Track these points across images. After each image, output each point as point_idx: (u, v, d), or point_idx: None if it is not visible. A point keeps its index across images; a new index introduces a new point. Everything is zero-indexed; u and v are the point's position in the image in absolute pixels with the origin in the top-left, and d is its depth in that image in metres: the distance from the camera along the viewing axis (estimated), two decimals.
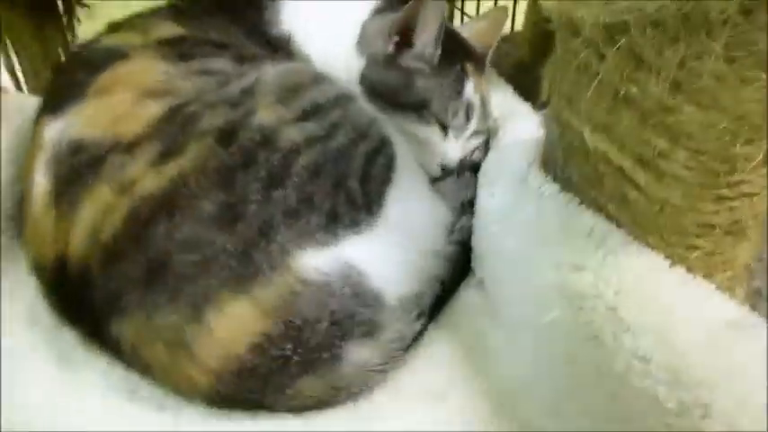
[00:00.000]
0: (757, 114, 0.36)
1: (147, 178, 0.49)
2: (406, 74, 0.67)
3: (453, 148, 0.68)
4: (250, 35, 0.68)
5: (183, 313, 0.47)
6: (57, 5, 1.19)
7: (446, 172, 0.67)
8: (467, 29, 0.77)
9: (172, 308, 0.47)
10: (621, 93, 0.42)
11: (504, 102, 0.73)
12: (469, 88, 0.69)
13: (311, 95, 0.56)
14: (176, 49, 0.59)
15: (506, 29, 1.28)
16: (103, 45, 0.60)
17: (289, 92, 0.56)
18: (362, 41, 0.70)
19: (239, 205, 0.49)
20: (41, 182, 0.52)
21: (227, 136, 0.51)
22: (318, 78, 0.59)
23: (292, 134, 0.53)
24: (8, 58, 1.16)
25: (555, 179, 0.52)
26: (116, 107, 0.53)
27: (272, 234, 0.49)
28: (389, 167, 0.56)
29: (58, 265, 0.51)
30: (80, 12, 1.22)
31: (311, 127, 0.54)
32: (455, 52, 0.69)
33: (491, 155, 0.63)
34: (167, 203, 0.49)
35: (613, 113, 0.43)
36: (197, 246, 0.48)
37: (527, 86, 0.79)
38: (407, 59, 0.67)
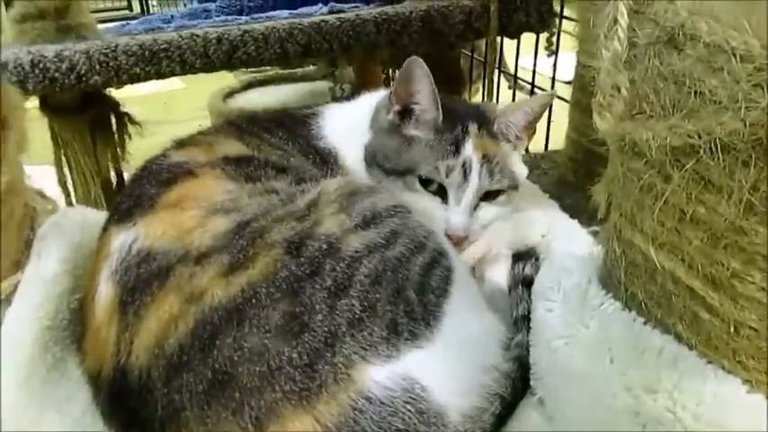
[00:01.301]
0: None
1: (216, 288, 0.50)
2: (405, 140, 0.71)
3: (455, 212, 0.69)
4: (304, 152, 0.72)
5: (245, 428, 0.45)
6: (110, 122, 1.26)
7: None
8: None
9: (234, 421, 0.46)
10: (689, 213, 0.43)
11: (551, 218, 0.74)
12: (468, 147, 0.70)
13: (370, 202, 0.58)
14: (241, 170, 0.61)
15: (540, 147, 1.33)
16: (172, 160, 0.63)
17: (349, 200, 0.57)
18: (373, 119, 0.75)
19: (305, 315, 0.49)
20: (106, 291, 0.53)
21: (295, 247, 0.52)
22: (375, 188, 0.61)
23: (354, 242, 0.54)
24: (61, 171, 1.22)
25: (616, 297, 0.52)
26: (185, 221, 0.55)
27: (338, 345, 0.48)
28: (447, 280, 0.56)
29: (120, 374, 0.50)
30: (131, 129, 1.29)
31: (371, 235, 0.55)
32: (458, 114, 0.73)
33: (544, 270, 0.63)
34: (235, 314, 0.49)
35: (681, 233, 0.44)
36: (263, 357, 0.47)
37: (571, 203, 0.80)
38: (410, 128, 0.72)
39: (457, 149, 0.70)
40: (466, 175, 0.69)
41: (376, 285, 0.52)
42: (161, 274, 0.52)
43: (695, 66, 0.40)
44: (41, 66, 0.99)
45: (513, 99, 1.53)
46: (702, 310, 0.43)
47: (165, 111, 2.74)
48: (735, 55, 0.37)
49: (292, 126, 0.75)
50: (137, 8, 5.70)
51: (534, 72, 1.35)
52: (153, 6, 5.80)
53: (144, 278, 0.52)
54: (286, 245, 0.53)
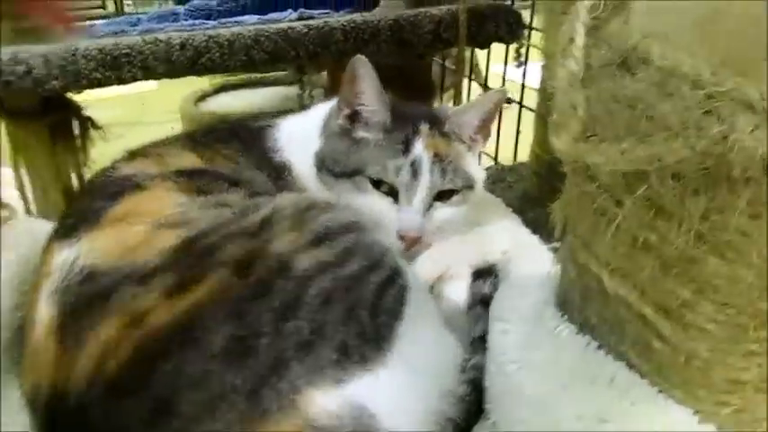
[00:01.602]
0: None
1: (160, 310, 0.48)
2: (354, 142, 0.70)
3: (407, 212, 0.67)
4: (259, 165, 0.70)
5: None
6: (71, 127, 1.22)
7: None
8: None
9: None
10: (641, 240, 0.42)
11: (512, 234, 0.73)
12: (418, 146, 0.69)
13: (324, 219, 0.56)
14: (193, 182, 0.59)
15: (509, 160, 1.33)
16: (120, 174, 0.61)
17: (302, 217, 0.56)
18: (324, 126, 0.74)
19: (251, 338, 0.47)
20: (46, 310, 0.51)
21: (244, 266, 0.50)
22: (331, 205, 0.60)
23: (305, 261, 0.52)
24: (19, 176, 1.18)
25: (571, 320, 0.51)
26: (130, 237, 0.52)
27: (283, 370, 0.46)
28: (401, 301, 0.55)
29: (57, 398, 0.48)
30: (94, 134, 1.25)
31: (323, 253, 0.53)
32: (409, 115, 0.72)
33: (502, 289, 0.62)
34: (178, 337, 0.47)
35: (633, 259, 0.43)
36: (205, 383, 0.45)
37: (534, 218, 0.79)
38: (359, 130, 0.71)
39: (406, 148, 0.69)
40: (416, 173, 0.68)
41: (326, 306, 0.50)
42: (103, 295, 0.50)
43: (647, 90, 0.39)
44: None
45: None
46: (654, 339, 0.43)
47: (136, 113, 2.69)
48: (686, 81, 0.37)
49: (248, 139, 0.73)
50: (111, 7, 5.64)
51: (504, 81, 1.35)
52: (128, 5, 5.75)
53: (86, 299, 0.50)
54: (235, 264, 0.51)
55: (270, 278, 0.50)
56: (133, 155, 0.65)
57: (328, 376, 0.48)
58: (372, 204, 0.68)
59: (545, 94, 0.91)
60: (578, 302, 0.49)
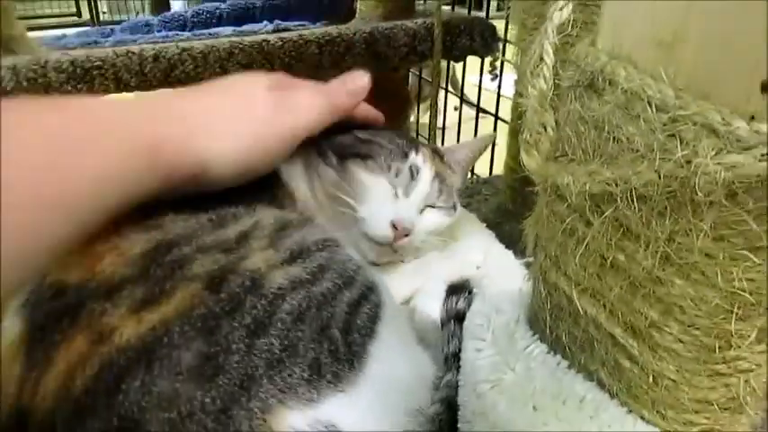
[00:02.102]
0: (749, 292, 0.36)
1: (127, 326, 0.47)
2: (355, 138, 0.76)
3: (405, 204, 0.72)
4: None
5: None
6: None
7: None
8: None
9: None
10: (609, 260, 0.42)
11: (486, 249, 0.73)
12: (417, 156, 0.75)
13: (299, 236, 0.56)
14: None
15: (485, 173, 1.33)
16: None
17: (278, 234, 0.55)
18: None
19: (221, 356, 0.46)
20: (13, 325, 0.49)
21: (217, 282, 0.50)
22: (307, 221, 0.59)
23: (279, 278, 0.51)
24: None
25: (543, 339, 0.51)
26: (97, 245, 0.51)
27: (254, 388, 0.46)
28: (374, 318, 0.54)
29: (19, 418, 0.47)
30: None
31: (297, 270, 0.53)
32: (410, 138, 0.81)
33: (476, 305, 0.61)
34: (144, 354, 0.46)
35: (602, 279, 0.43)
36: (173, 402, 0.44)
37: (508, 232, 0.80)
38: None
39: (405, 155, 0.74)
40: (414, 176, 0.73)
41: (298, 323, 0.50)
42: (72, 311, 0.48)
43: (614, 112, 0.40)
44: None
45: (460, 118, 1.54)
46: (623, 358, 0.43)
47: None
48: (651, 104, 0.37)
49: None
50: (86, 14, 5.58)
51: (479, 94, 1.36)
52: (103, 13, 5.69)
53: (55, 314, 0.49)
54: (207, 279, 0.50)
55: (242, 295, 0.49)
56: None
57: (300, 395, 0.47)
58: (378, 186, 0.71)
59: (518, 108, 0.91)
60: (549, 321, 0.49)
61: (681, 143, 0.35)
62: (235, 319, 0.48)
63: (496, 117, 1.29)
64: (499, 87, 1.26)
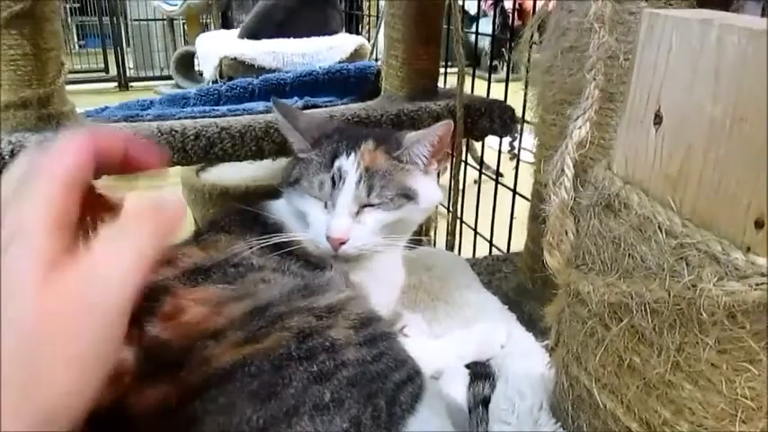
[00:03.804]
0: (750, 398, 0.41)
1: (225, 355, 0.53)
2: (297, 160, 0.81)
3: (336, 218, 0.74)
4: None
5: None
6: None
7: None
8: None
9: None
10: (626, 361, 0.47)
11: (508, 333, 0.77)
12: (344, 160, 0.76)
13: (373, 329, 0.62)
14: (221, 270, 0.65)
15: (504, 248, 1.39)
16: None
17: (362, 325, 0.62)
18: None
19: (280, 386, 0.52)
20: (125, 358, 0.53)
21: (304, 336, 0.56)
22: (380, 318, 0.65)
23: (351, 353, 0.58)
24: None
25: (565, 426, 0.55)
26: (192, 318, 0.57)
27: (295, 419, 0.51)
28: (417, 398, 0.60)
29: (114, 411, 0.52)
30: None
31: (364, 352, 0.59)
32: (352, 136, 0.80)
33: (500, 389, 0.66)
34: (226, 373, 0.52)
35: (620, 378, 0.48)
36: (228, 410, 0.50)
37: (528, 312, 0.85)
38: (295, 148, 0.82)
39: (331, 163, 0.77)
40: (336, 185, 0.75)
41: (350, 387, 0.55)
42: (180, 358, 0.54)
43: (629, 232, 0.45)
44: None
45: (479, 190, 1.60)
46: None
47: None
48: (661, 229, 0.43)
49: (250, 223, 0.79)
50: (113, 70, 5.79)
51: (497, 170, 1.42)
52: (129, 69, 5.90)
53: (164, 361, 0.54)
54: (298, 332, 0.57)
55: (318, 350, 0.56)
56: None
57: None
58: (309, 209, 0.77)
59: (538, 193, 0.97)
60: (571, 411, 0.54)
61: (687, 267, 0.41)
62: (304, 364, 0.55)
63: (515, 192, 1.35)
64: (517, 165, 1.33)
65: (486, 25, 3.19)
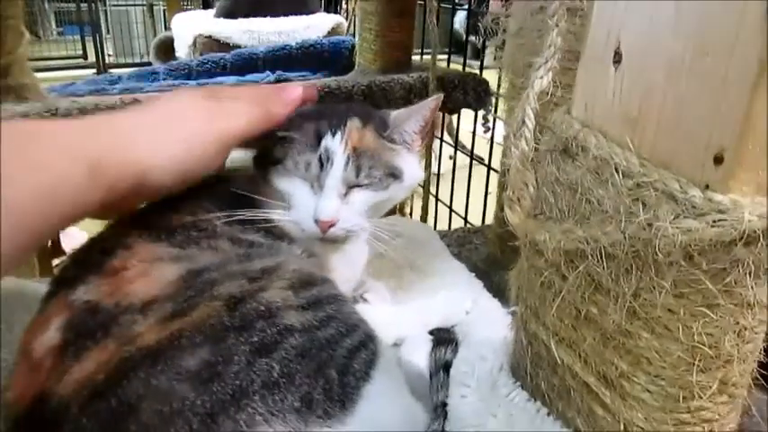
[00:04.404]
0: (708, 346, 0.39)
1: (152, 332, 0.50)
2: (275, 139, 0.72)
3: (325, 200, 0.70)
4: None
5: None
6: None
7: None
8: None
9: None
10: (583, 312, 0.45)
11: (474, 299, 0.75)
12: (330, 140, 0.71)
13: (316, 290, 0.59)
14: (185, 233, 0.62)
15: (477, 221, 1.37)
16: (112, 238, 0.63)
17: (301, 285, 0.58)
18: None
19: (221, 365, 0.49)
20: (50, 338, 0.52)
21: (235, 302, 0.53)
22: (325, 280, 0.62)
23: (292, 318, 0.54)
24: None
25: (524, 386, 0.53)
26: (131, 275, 0.55)
27: (244, 401, 0.48)
28: (370, 364, 0.57)
29: (37, 402, 0.49)
30: None
31: (309, 316, 0.56)
32: (338, 113, 0.75)
33: (461, 353, 0.64)
34: (156, 354, 0.49)
35: (577, 330, 0.46)
36: (167, 397, 0.47)
37: (497, 281, 0.82)
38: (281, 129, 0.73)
39: (317, 143, 0.71)
40: (324, 165, 0.70)
41: (300, 358, 0.52)
42: (106, 324, 0.52)
43: (585, 176, 0.43)
44: None
45: (454, 167, 1.58)
46: (597, 406, 0.45)
47: None
48: (618, 170, 0.40)
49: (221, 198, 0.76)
50: (92, 57, 5.70)
51: (473, 144, 1.40)
52: (109, 56, 5.81)
53: (90, 328, 0.52)
54: (228, 298, 0.53)
55: (254, 317, 0.53)
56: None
57: (287, 422, 0.49)
58: (294, 191, 0.71)
59: (504, 165, 0.95)
60: (530, 369, 0.52)
61: (644, 207, 0.38)
62: (242, 335, 0.51)
63: (489, 167, 1.33)
64: (492, 138, 1.31)
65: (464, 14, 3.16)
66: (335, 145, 0.72)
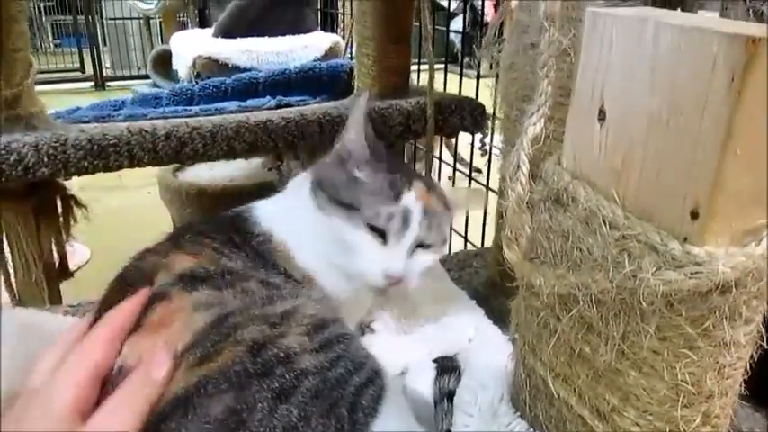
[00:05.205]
0: (691, 384, 0.42)
1: (181, 380, 0.53)
2: (350, 178, 0.73)
3: (395, 255, 0.71)
4: (243, 247, 0.74)
5: None
6: (55, 206, 1.27)
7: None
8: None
9: None
10: (577, 351, 0.48)
11: (475, 326, 0.79)
12: (409, 197, 0.73)
13: (328, 333, 0.62)
14: (208, 282, 0.65)
15: (477, 243, 1.40)
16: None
17: (315, 329, 0.61)
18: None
19: (245, 412, 0.52)
20: None
21: (258, 348, 0.56)
22: (335, 320, 0.65)
23: (307, 361, 0.57)
24: (1, 253, 1.21)
25: (523, 416, 0.57)
26: (172, 333, 0.57)
27: None
28: (378, 399, 0.60)
29: None
30: (76, 211, 1.30)
31: (321, 358, 0.59)
32: (403, 170, 0.77)
33: (464, 382, 0.67)
34: (185, 402, 0.52)
35: (572, 367, 0.49)
36: None
37: (497, 307, 0.86)
38: (350, 164, 0.74)
39: (397, 196, 0.73)
40: (406, 221, 0.72)
41: (314, 399, 0.55)
42: None
43: (576, 225, 0.47)
44: None
45: (453, 184, 1.62)
46: None
47: (113, 176, 2.73)
48: (605, 221, 0.44)
49: (233, 228, 0.78)
50: (89, 69, 5.73)
51: (471, 165, 1.44)
52: (106, 68, 5.85)
53: None
54: (251, 344, 0.56)
55: (275, 364, 0.55)
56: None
57: None
58: (362, 241, 0.72)
59: (502, 192, 0.98)
60: (528, 401, 0.55)
61: (629, 258, 0.42)
62: (264, 382, 0.54)
63: (488, 188, 1.37)
64: (489, 162, 1.35)
65: (460, 22, 3.21)
66: (412, 202, 0.73)
